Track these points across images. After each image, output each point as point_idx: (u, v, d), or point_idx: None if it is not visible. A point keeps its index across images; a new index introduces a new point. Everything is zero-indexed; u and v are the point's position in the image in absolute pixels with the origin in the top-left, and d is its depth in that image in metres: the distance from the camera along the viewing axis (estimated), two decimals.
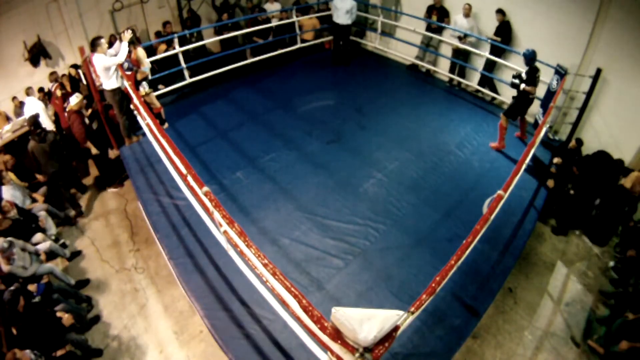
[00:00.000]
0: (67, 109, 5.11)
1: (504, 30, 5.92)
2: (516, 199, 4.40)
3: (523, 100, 4.93)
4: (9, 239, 3.94)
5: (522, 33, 5.93)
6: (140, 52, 5.08)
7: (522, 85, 4.75)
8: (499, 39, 5.95)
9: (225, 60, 6.89)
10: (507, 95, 6.02)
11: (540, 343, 3.90)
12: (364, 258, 3.77)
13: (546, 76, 5.25)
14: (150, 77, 5.37)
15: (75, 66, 6.34)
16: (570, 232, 5.05)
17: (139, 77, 5.13)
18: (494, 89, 6.47)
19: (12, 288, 3.47)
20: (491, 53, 6.15)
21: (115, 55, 4.61)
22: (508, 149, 5.34)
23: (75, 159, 5.79)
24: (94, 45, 4.51)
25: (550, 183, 4.86)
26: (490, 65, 6.34)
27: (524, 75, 4.76)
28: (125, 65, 4.78)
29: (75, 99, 5.01)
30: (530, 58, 4.68)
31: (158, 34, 7.02)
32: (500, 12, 5.89)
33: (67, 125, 5.57)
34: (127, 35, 4.61)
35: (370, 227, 4.10)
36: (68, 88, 5.89)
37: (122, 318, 4.12)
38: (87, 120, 5.25)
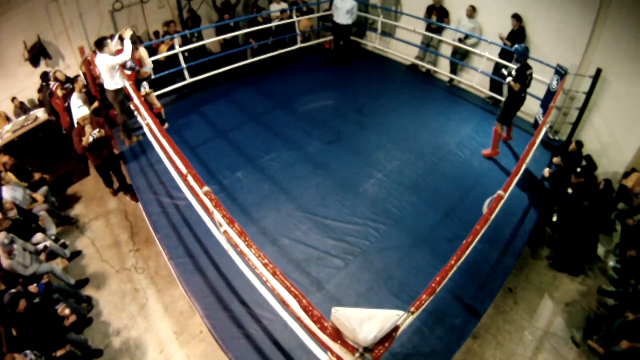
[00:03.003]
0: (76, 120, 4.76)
1: (519, 36, 5.73)
2: (516, 199, 4.40)
3: (514, 102, 4.83)
4: (11, 235, 3.94)
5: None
6: (143, 51, 5.08)
7: (508, 79, 4.64)
8: (509, 43, 5.76)
9: (225, 60, 6.89)
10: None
11: (540, 343, 3.90)
12: (364, 258, 3.77)
13: (546, 76, 5.25)
14: (152, 76, 5.35)
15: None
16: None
17: (140, 76, 5.11)
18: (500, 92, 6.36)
19: (12, 291, 3.47)
20: (502, 57, 6.00)
21: (114, 52, 4.60)
22: (508, 148, 5.35)
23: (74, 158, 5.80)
24: (100, 45, 4.45)
25: (546, 172, 4.86)
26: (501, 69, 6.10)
27: (513, 72, 4.67)
28: (128, 64, 4.77)
29: (81, 112, 4.58)
30: (520, 54, 4.58)
31: (157, 34, 7.02)
32: (516, 17, 5.68)
33: (68, 125, 5.57)
34: (128, 32, 4.58)
35: (370, 227, 4.10)
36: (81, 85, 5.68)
37: (122, 318, 4.12)
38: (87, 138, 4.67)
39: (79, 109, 4.64)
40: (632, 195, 4.62)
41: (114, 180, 5.43)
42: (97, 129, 4.69)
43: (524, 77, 4.59)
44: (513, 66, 4.80)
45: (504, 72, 4.79)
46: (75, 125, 4.70)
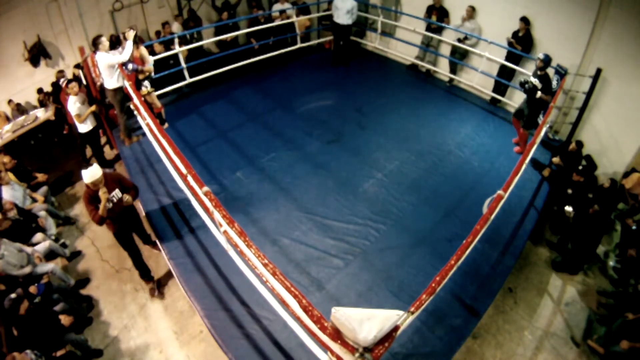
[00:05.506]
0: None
1: (527, 39, 5.74)
2: (516, 199, 4.40)
3: (539, 108, 4.91)
4: None
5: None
6: (143, 50, 5.09)
7: (539, 93, 4.67)
8: (519, 47, 5.78)
9: (225, 60, 6.89)
10: (514, 100, 6.02)
11: (540, 343, 3.90)
12: (364, 258, 3.77)
13: None
14: (153, 75, 5.34)
15: (78, 66, 6.31)
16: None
17: (142, 75, 5.10)
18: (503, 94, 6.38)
19: (12, 296, 3.46)
20: (508, 60, 6.00)
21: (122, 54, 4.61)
22: (508, 148, 5.36)
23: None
24: (95, 44, 4.51)
25: (546, 172, 4.88)
26: (507, 72, 6.13)
27: (537, 83, 4.67)
28: (130, 66, 4.77)
29: (91, 174, 3.30)
30: (548, 63, 4.61)
31: (158, 34, 7.02)
32: (524, 20, 5.69)
33: (73, 122, 5.54)
34: (131, 34, 4.61)
35: (370, 227, 4.10)
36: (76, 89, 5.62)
37: (122, 318, 4.11)
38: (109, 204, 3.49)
39: (88, 171, 3.30)
40: (631, 197, 4.61)
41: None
42: (115, 190, 3.50)
43: (550, 85, 4.69)
44: (531, 77, 4.77)
45: (528, 86, 4.78)
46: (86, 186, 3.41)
